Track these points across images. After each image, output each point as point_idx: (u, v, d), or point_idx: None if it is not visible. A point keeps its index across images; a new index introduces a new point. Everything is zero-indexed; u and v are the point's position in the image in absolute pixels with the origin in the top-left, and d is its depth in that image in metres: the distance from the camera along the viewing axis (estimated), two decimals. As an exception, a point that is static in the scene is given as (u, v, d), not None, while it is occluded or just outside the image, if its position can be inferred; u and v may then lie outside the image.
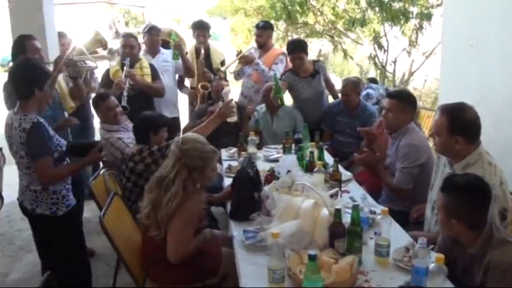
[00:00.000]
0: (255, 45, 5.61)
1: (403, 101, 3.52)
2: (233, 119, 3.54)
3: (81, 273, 3.28)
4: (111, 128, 3.98)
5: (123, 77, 4.59)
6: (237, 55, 5.25)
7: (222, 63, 5.72)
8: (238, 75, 5.61)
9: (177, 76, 5.65)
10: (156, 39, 5.41)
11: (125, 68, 4.66)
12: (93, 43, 5.42)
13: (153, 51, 5.37)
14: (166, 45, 5.66)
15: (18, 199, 3.16)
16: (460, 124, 2.67)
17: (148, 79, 4.86)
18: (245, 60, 5.20)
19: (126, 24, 32.41)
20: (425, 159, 3.38)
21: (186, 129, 4.64)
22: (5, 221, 5.19)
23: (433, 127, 2.83)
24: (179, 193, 2.67)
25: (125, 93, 4.42)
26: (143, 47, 5.45)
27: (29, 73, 2.93)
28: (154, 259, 2.78)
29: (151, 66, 4.97)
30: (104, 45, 5.39)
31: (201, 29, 5.58)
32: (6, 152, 3.77)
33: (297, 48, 5.09)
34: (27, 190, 3.03)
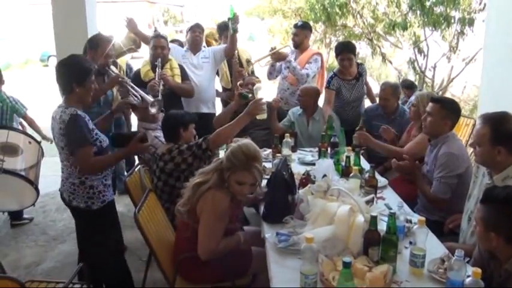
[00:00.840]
0: (291, 45, 5.61)
1: (445, 108, 3.45)
2: (263, 116, 3.52)
3: (116, 267, 3.31)
4: (149, 126, 4.01)
5: (156, 78, 4.60)
6: (270, 51, 5.25)
7: (248, 61, 5.73)
8: (270, 74, 5.61)
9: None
10: (199, 36, 5.40)
11: (157, 69, 4.67)
12: (127, 41, 5.50)
13: (194, 49, 5.37)
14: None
15: (59, 190, 3.23)
16: (503, 134, 2.61)
17: (178, 79, 4.88)
18: (277, 57, 5.20)
19: (165, 23, 32.82)
20: (464, 169, 3.30)
21: (216, 120, 4.70)
22: (40, 212, 5.32)
23: (474, 137, 2.76)
24: (209, 174, 2.78)
25: (160, 96, 4.42)
26: (185, 45, 5.50)
27: (69, 69, 3.00)
28: (185, 256, 2.80)
29: (181, 67, 4.99)
30: (137, 44, 5.45)
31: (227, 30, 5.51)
32: (44, 145, 3.88)
33: (346, 49, 5.11)
34: (66, 182, 3.10)
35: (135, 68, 5.63)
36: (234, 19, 4.92)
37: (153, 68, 4.76)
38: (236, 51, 5.55)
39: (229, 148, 2.79)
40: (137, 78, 4.92)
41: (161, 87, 4.55)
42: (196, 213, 2.75)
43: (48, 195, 5.64)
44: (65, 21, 4.75)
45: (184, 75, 4.96)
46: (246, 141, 2.83)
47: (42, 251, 4.47)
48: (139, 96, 3.96)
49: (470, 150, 3.69)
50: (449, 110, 3.45)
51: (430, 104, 3.52)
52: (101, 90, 3.82)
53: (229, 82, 5.72)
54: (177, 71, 4.90)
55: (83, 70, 3.01)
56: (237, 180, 2.74)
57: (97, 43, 3.73)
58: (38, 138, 3.82)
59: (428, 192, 3.41)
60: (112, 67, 4.31)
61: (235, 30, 5.01)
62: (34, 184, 3.65)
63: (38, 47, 24.08)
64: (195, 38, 5.36)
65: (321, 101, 5.15)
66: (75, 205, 3.09)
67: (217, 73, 5.76)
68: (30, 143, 3.81)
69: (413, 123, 4.35)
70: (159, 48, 4.81)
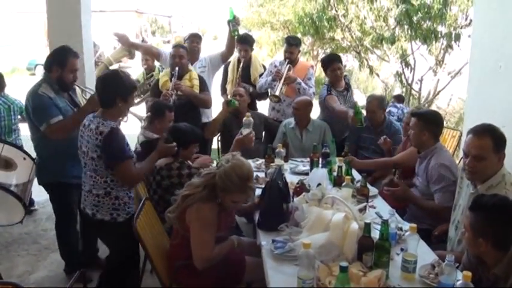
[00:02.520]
0: (278, 58, 5.64)
1: (421, 119, 3.54)
2: (250, 147, 3.71)
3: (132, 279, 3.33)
4: (152, 136, 4.00)
5: (171, 88, 4.62)
6: (276, 75, 5.22)
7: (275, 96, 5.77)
8: (261, 86, 5.53)
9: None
10: (197, 46, 5.43)
11: (173, 79, 4.68)
12: (120, 52, 5.56)
13: (192, 59, 5.33)
14: None
15: (82, 205, 3.24)
16: (502, 141, 2.73)
17: (197, 91, 4.86)
18: (288, 82, 5.20)
19: (153, 33, 32.87)
20: (457, 175, 3.34)
21: (206, 131, 4.82)
22: (31, 221, 5.28)
23: (475, 153, 2.74)
24: (198, 188, 2.81)
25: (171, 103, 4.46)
26: None
27: (115, 84, 3.05)
28: (181, 264, 2.85)
29: (201, 78, 4.95)
30: (132, 54, 5.50)
31: (243, 43, 5.55)
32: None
33: (334, 59, 5.21)
34: (89, 195, 3.11)
35: None
36: (235, 21, 4.90)
37: (172, 78, 4.77)
38: (240, 66, 5.61)
39: (223, 168, 2.80)
40: (155, 88, 4.97)
41: (174, 97, 4.58)
42: (185, 221, 2.81)
43: (38, 204, 5.62)
44: (60, 31, 4.75)
45: (203, 87, 4.94)
46: (239, 161, 2.84)
47: (34, 260, 4.45)
48: None
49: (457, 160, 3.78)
50: (425, 121, 3.53)
51: (411, 119, 3.65)
52: (80, 115, 3.50)
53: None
54: (196, 82, 4.88)
55: (129, 86, 3.10)
56: (232, 200, 2.82)
57: (65, 59, 3.71)
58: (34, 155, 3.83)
59: (432, 205, 3.45)
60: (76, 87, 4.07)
61: (236, 33, 4.98)
62: (23, 201, 3.66)
63: (25, 56, 23.92)
64: (193, 48, 5.35)
65: (313, 114, 5.22)
66: (99, 218, 3.10)
67: (226, 77, 5.81)
68: (24, 159, 3.81)
69: (407, 138, 4.45)
70: (177, 58, 4.81)
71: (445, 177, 3.38)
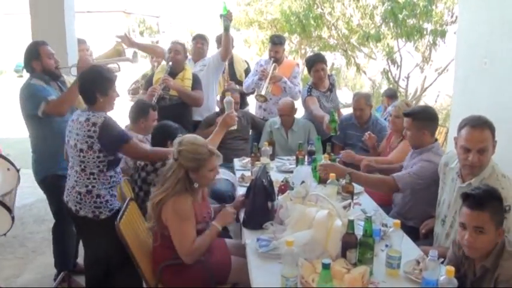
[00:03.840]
0: (263, 57, 5.66)
1: (417, 119, 3.46)
2: (234, 127, 3.63)
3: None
4: (136, 136, 3.99)
5: (159, 83, 4.63)
6: (261, 73, 5.23)
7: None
8: (248, 86, 5.55)
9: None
10: (202, 48, 5.43)
11: (164, 73, 4.69)
12: (112, 53, 5.50)
13: (195, 59, 5.38)
14: None
15: (65, 199, 3.23)
16: (494, 130, 2.72)
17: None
18: (274, 81, 5.20)
19: (141, 33, 32.71)
20: (435, 181, 3.25)
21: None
22: (17, 224, 5.20)
23: (479, 146, 2.68)
24: (169, 189, 2.77)
25: (154, 101, 4.45)
26: (189, 55, 5.44)
27: (92, 80, 3.08)
28: (166, 265, 2.83)
29: (194, 77, 4.93)
30: (122, 55, 5.45)
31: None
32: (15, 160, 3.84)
33: (319, 60, 5.18)
34: (72, 191, 3.12)
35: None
36: (227, 16, 4.86)
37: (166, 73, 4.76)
38: (226, 64, 5.60)
39: (184, 151, 2.79)
40: (148, 84, 4.97)
41: (160, 91, 4.60)
42: (162, 221, 2.79)
43: (25, 207, 5.57)
44: (43, 32, 4.72)
45: (196, 85, 4.91)
46: (188, 136, 2.91)
47: (21, 263, 4.41)
48: (117, 65, 4.04)
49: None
50: (421, 120, 3.45)
51: (405, 119, 3.59)
52: (72, 93, 3.66)
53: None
54: (188, 83, 4.86)
55: (105, 80, 3.11)
56: (209, 169, 2.83)
57: (37, 51, 3.71)
58: (18, 165, 3.80)
59: (382, 176, 3.53)
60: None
61: (227, 28, 4.95)
62: (12, 212, 3.62)
63: (12, 58, 23.74)
64: (197, 49, 5.39)
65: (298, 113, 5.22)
66: (82, 215, 3.10)
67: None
68: (8, 169, 3.77)
69: (391, 132, 4.45)
70: (173, 52, 4.82)
71: (423, 170, 3.31)
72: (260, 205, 2.95)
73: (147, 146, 3.34)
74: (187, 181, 2.80)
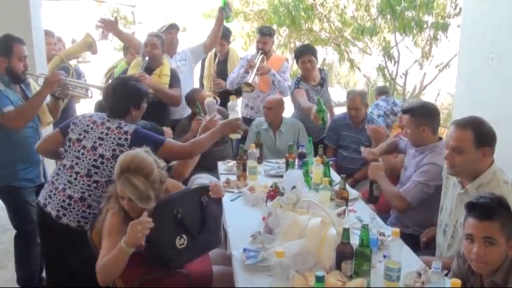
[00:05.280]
0: (252, 52, 5.65)
1: (415, 115, 3.50)
2: (237, 136, 3.62)
3: None
4: None
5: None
6: (248, 65, 5.21)
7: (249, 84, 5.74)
8: (232, 82, 5.51)
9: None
10: (175, 38, 5.40)
11: (140, 69, 4.65)
12: (81, 46, 5.46)
13: (170, 52, 5.32)
14: None
15: (38, 202, 3.19)
16: (486, 134, 2.74)
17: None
18: (262, 72, 5.19)
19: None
20: (439, 185, 3.31)
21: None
22: (-24, 234, 5.18)
23: (454, 145, 2.78)
24: (103, 208, 2.80)
25: None
26: None
27: (127, 95, 3.20)
28: (142, 280, 2.79)
29: (173, 73, 4.89)
30: (94, 49, 5.42)
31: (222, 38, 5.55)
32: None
33: (306, 50, 5.20)
34: (60, 193, 3.08)
35: (83, 72, 5.62)
36: (227, 7, 4.92)
37: (141, 69, 4.72)
38: (216, 61, 5.66)
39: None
40: None
41: None
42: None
43: (-14, 214, 5.51)
44: (5, 21, 4.65)
45: (174, 82, 4.85)
46: (129, 151, 2.82)
47: (-22, 277, 4.33)
48: (85, 89, 3.99)
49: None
50: (419, 116, 3.49)
51: (403, 116, 3.62)
52: (38, 99, 3.70)
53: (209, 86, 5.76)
54: (166, 79, 4.81)
55: (140, 93, 3.26)
56: (119, 194, 2.71)
57: (9, 48, 3.66)
58: None
59: (393, 189, 3.49)
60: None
61: (230, 19, 5.06)
62: None
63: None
64: (171, 40, 5.33)
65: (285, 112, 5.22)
66: (65, 222, 3.06)
67: (203, 73, 5.86)
68: None
69: (398, 131, 4.47)
70: (149, 46, 4.76)
71: (430, 174, 3.36)
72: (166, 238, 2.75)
73: (180, 143, 3.40)
74: (116, 199, 2.76)
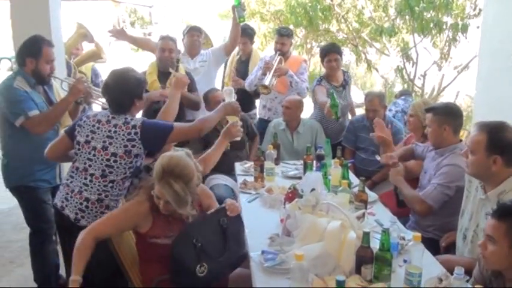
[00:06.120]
0: (269, 53, 5.64)
1: (438, 113, 3.48)
2: (237, 138, 3.63)
3: None
4: None
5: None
6: (266, 67, 5.17)
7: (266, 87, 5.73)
8: (251, 83, 5.52)
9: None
10: (198, 40, 5.38)
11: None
12: (76, 38, 5.48)
13: (192, 53, 5.33)
14: None
15: (55, 204, 3.19)
16: (501, 142, 2.69)
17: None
18: (279, 73, 5.16)
19: (132, 24, 32.77)
20: (461, 188, 3.27)
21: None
22: (-6, 231, 5.23)
23: (469, 144, 2.82)
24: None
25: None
26: (182, 49, 5.41)
27: (130, 88, 3.15)
28: (160, 280, 2.77)
29: (189, 77, 4.80)
30: (89, 38, 5.43)
31: (242, 35, 5.49)
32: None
33: (333, 49, 5.21)
34: (77, 196, 3.08)
35: (101, 74, 5.62)
36: (240, 7, 4.87)
37: (160, 75, 4.72)
38: (236, 59, 5.69)
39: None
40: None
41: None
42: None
43: (2, 213, 5.56)
44: (25, 22, 4.68)
45: (192, 87, 4.83)
46: (173, 153, 2.80)
47: (-4, 275, 4.37)
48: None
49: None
50: (441, 114, 3.47)
51: (426, 115, 3.59)
52: (62, 106, 3.74)
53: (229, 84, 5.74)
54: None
55: (140, 83, 3.23)
56: (156, 194, 2.73)
57: (38, 49, 3.68)
58: None
59: (413, 193, 3.47)
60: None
61: (242, 19, 4.96)
62: None
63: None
64: (194, 42, 5.33)
65: (304, 113, 5.20)
66: (84, 224, 3.02)
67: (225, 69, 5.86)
68: None
69: (411, 134, 4.43)
70: (167, 51, 4.74)
71: (450, 176, 3.33)
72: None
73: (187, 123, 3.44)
74: (147, 191, 2.80)
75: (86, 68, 5.47)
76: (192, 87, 4.84)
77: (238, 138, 3.62)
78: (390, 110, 5.27)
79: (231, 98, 3.64)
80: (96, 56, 5.43)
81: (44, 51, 3.66)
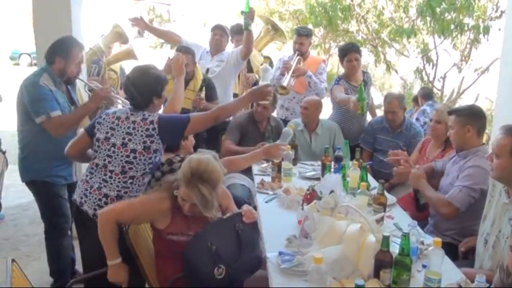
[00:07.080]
0: (287, 53, 5.63)
1: (461, 114, 3.45)
2: (276, 160, 3.60)
3: None
4: None
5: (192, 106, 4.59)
6: (284, 68, 5.16)
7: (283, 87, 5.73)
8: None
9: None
10: (220, 40, 5.41)
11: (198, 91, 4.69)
12: (112, 36, 5.51)
13: (213, 52, 5.39)
14: None
15: (74, 200, 3.20)
16: None
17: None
18: (298, 74, 5.15)
19: (150, 22, 32.87)
20: (484, 191, 3.24)
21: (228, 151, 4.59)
22: (11, 225, 5.25)
23: (494, 148, 2.79)
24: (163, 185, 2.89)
25: None
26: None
27: (150, 86, 3.16)
28: (175, 279, 2.79)
29: (210, 84, 4.89)
30: (124, 38, 5.46)
31: (240, 34, 5.48)
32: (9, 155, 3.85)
33: (353, 49, 5.19)
34: (96, 192, 3.09)
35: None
36: (249, 14, 4.75)
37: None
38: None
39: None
40: None
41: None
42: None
43: (20, 207, 5.59)
44: (47, 17, 4.70)
45: (213, 94, 4.88)
46: (201, 156, 2.79)
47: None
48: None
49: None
50: (465, 115, 3.44)
51: (449, 118, 3.56)
52: (84, 111, 3.81)
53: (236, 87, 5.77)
54: (202, 95, 4.81)
55: (160, 81, 3.22)
56: (181, 195, 2.74)
57: (68, 51, 3.68)
58: (3, 148, 3.83)
59: (438, 196, 3.42)
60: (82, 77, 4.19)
61: (247, 26, 4.86)
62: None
63: (7, 44, 23.95)
64: (215, 42, 5.38)
65: (323, 114, 5.17)
66: None
67: None
68: None
69: (426, 140, 4.39)
70: (184, 65, 4.75)
71: (474, 178, 3.28)
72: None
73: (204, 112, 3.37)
74: (168, 186, 2.84)
75: (114, 67, 5.50)
76: (212, 96, 4.87)
77: (277, 161, 3.63)
78: (418, 120, 5.22)
79: (267, 77, 3.52)
80: (131, 55, 5.47)
81: (74, 53, 3.69)
